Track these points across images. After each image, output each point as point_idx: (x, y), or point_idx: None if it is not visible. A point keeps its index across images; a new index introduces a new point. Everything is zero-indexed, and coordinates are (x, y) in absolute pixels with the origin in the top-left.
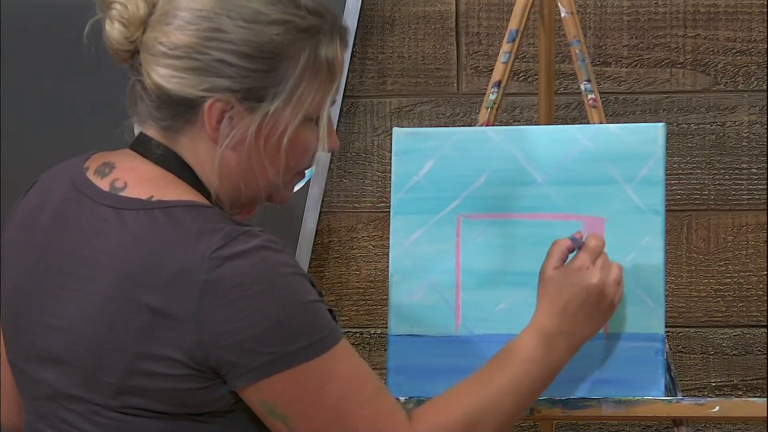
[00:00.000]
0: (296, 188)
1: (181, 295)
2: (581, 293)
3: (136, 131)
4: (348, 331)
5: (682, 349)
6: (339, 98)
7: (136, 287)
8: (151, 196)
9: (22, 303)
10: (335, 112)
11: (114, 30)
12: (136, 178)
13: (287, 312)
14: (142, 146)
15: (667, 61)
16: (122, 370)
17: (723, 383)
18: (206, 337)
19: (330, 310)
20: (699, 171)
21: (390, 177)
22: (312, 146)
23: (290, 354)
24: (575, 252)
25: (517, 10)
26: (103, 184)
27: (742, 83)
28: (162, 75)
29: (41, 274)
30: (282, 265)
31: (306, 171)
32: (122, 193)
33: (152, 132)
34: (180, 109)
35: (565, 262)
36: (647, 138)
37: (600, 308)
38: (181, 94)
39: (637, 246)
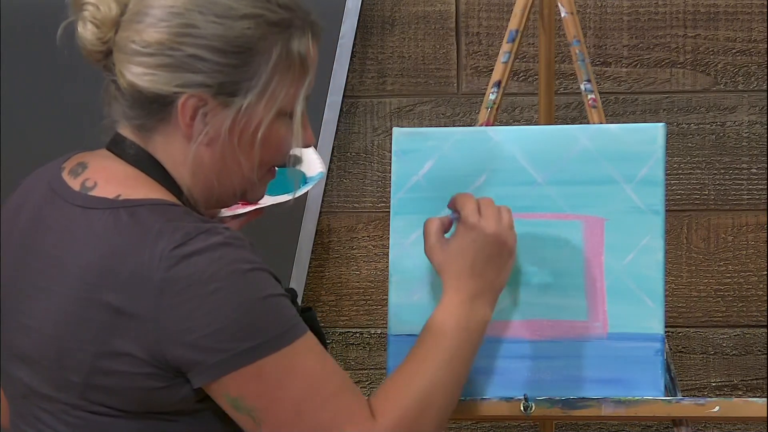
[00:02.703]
0: (304, 191)
1: (140, 294)
2: (483, 248)
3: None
4: (348, 331)
5: (682, 349)
6: (336, 97)
7: (98, 286)
8: (119, 195)
9: (2, 303)
10: (335, 111)
11: (87, 31)
12: (105, 178)
13: (244, 308)
14: (116, 146)
15: (667, 61)
16: (86, 369)
17: (723, 383)
18: (165, 336)
19: (309, 309)
20: (699, 171)
21: (390, 177)
22: (286, 142)
23: (249, 350)
24: (453, 225)
25: (517, 10)
26: (75, 184)
27: (742, 83)
28: (135, 73)
29: (18, 274)
30: (241, 261)
31: (316, 174)
32: (91, 193)
33: (126, 132)
34: (153, 107)
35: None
36: (647, 138)
37: (502, 257)
38: (154, 91)
39: (636, 246)
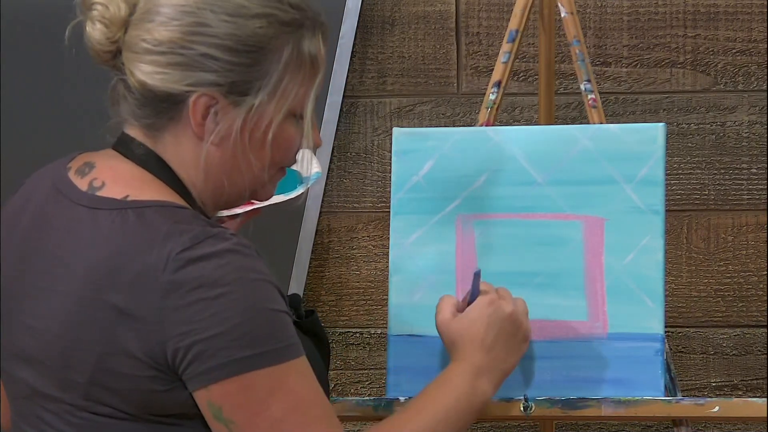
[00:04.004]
0: (301, 191)
1: (145, 295)
2: (497, 324)
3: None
4: (348, 331)
5: (682, 349)
6: (336, 97)
7: (103, 287)
8: (127, 196)
9: (5, 303)
10: (335, 111)
11: (95, 31)
12: (113, 178)
13: (245, 317)
14: (124, 146)
15: (667, 61)
16: (90, 369)
17: (723, 383)
18: (166, 338)
19: (311, 313)
20: (699, 171)
21: (390, 177)
22: (295, 142)
23: (244, 359)
24: (468, 299)
25: (517, 10)
26: (82, 184)
27: (742, 83)
28: (146, 72)
29: (20, 274)
30: (248, 269)
31: (313, 174)
32: (99, 193)
33: (134, 132)
34: (163, 106)
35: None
36: (647, 138)
37: (516, 338)
38: (165, 89)
39: (636, 246)
